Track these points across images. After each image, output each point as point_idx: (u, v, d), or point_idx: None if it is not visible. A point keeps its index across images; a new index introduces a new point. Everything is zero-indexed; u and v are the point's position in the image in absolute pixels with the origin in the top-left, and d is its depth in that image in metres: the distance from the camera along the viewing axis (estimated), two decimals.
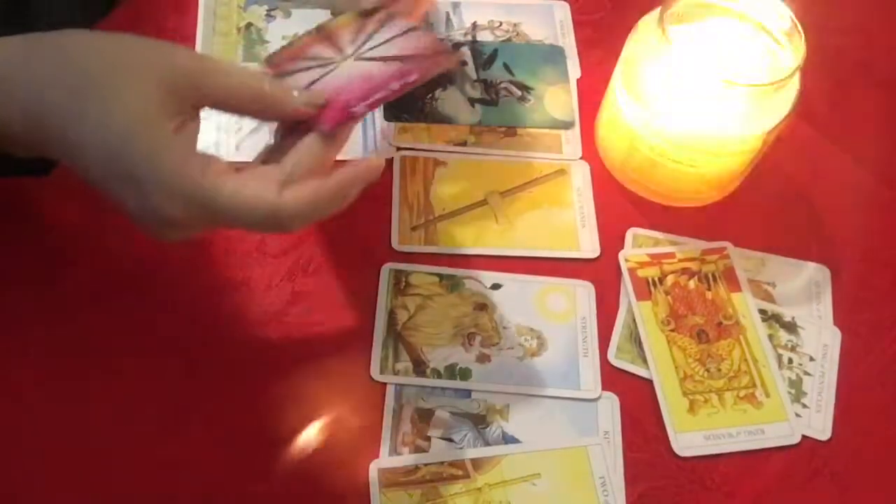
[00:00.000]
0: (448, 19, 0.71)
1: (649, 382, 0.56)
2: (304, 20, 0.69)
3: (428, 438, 0.53)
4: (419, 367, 0.56)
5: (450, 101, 0.66)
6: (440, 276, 0.59)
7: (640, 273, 0.60)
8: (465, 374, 0.56)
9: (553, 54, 0.70)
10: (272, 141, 0.48)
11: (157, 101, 0.42)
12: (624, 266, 0.60)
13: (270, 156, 0.46)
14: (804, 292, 0.61)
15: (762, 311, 0.59)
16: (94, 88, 0.42)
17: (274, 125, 0.48)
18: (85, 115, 0.41)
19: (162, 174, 0.41)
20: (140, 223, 0.44)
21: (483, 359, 0.56)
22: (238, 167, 0.44)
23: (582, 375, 0.56)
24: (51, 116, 0.42)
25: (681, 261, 0.61)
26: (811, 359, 0.58)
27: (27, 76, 0.42)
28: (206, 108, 0.45)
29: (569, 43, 0.70)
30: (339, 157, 0.49)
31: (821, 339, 0.59)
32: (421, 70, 0.48)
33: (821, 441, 0.56)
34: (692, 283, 0.60)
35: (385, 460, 0.52)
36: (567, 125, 0.66)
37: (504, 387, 0.55)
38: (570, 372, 0.56)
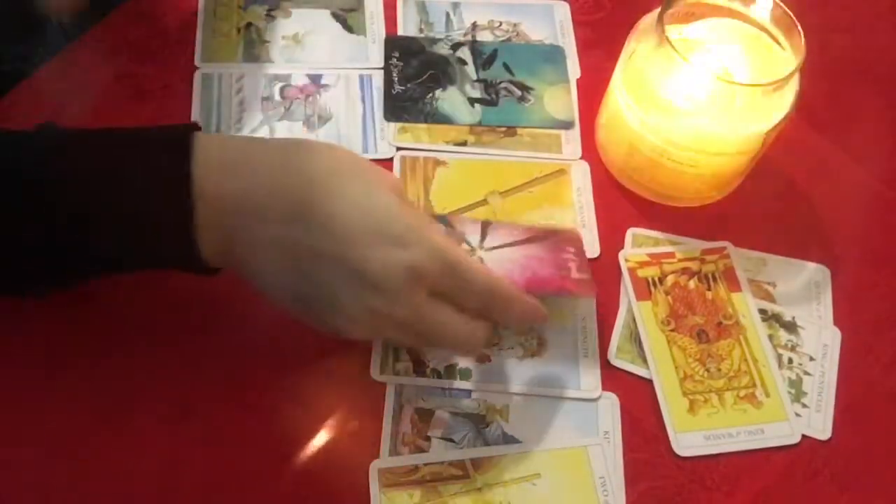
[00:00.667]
0: (448, 19, 0.71)
1: (649, 382, 0.56)
2: (304, 20, 0.69)
3: (428, 438, 0.53)
4: (419, 367, 0.55)
5: (450, 100, 0.66)
6: None
7: (640, 273, 0.60)
8: (465, 374, 0.56)
9: (553, 54, 0.70)
10: None
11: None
12: (624, 266, 0.60)
13: None
14: (804, 292, 0.61)
15: (762, 311, 0.59)
16: (351, 174, 0.49)
17: None
18: (345, 192, 0.48)
19: (426, 231, 0.49)
20: (373, 294, 0.47)
21: (483, 359, 0.56)
22: None
23: (582, 375, 0.56)
24: (295, 198, 0.47)
25: (681, 261, 0.61)
26: (811, 359, 0.58)
27: (279, 161, 0.49)
28: None
29: (569, 43, 0.70)
30: None
31: (821, 339, 0.59)
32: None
33: (821, 441, 0.56)
34: (692, 283, 0.60)
35: (385, 460, 0.52)
36: (567, 125, 0.66)
37: (504, 387, 0.55)
38: (570, 372, 0.56)
